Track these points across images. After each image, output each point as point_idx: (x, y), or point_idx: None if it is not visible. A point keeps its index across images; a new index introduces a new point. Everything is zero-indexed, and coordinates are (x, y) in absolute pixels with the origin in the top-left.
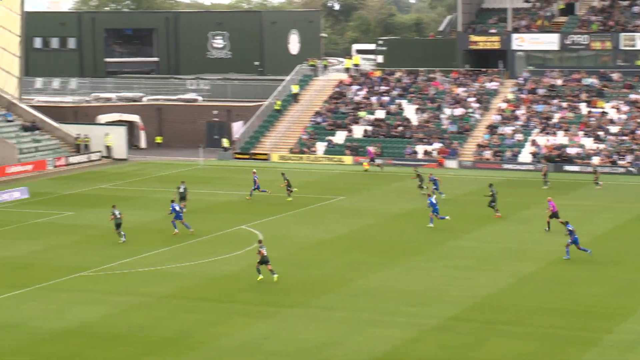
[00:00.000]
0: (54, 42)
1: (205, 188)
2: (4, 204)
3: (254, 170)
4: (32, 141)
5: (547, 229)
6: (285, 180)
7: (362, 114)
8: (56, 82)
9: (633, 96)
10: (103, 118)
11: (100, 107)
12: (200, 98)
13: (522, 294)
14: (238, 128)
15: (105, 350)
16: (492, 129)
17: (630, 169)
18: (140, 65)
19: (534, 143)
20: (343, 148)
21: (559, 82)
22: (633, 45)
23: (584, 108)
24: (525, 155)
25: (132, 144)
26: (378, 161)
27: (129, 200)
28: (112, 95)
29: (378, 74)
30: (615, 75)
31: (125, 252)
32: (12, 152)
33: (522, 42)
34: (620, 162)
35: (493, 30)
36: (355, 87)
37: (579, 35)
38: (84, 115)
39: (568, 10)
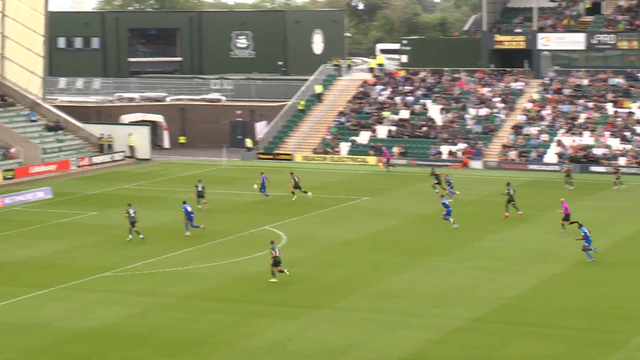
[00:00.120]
0: (78, 42)
1: (229, 188)
2: (28, 204)
3: (262, 171)
4: (55, 141)
5: (562, 230)
6: (292, 180)
7: (386, 114)
8: (80, 82)
9: None
10: (126, 118)
11: (123, 107)
12: (223, 98)
13: (547, 296)
14: (261, 128)
15: (128, 350)
16: (517, 129)
17: None
18: (164, 65)
19: (559, 143)
20: (367, 148)
21: (585, 82)
22: None
23: (610, 108)
24: (550, 156)
25: (156, 144)
26: (393, 162)
27: (152, 200)
28: (136, 95)
29: (402, 73)
30: None
31: (148, 253)
32: (35, 152)
33: (548, 41)
34: None
35: (518, 30)
36: (379, 87)
37: (605, 35)
38: (108, 115)
39: (594, 9)
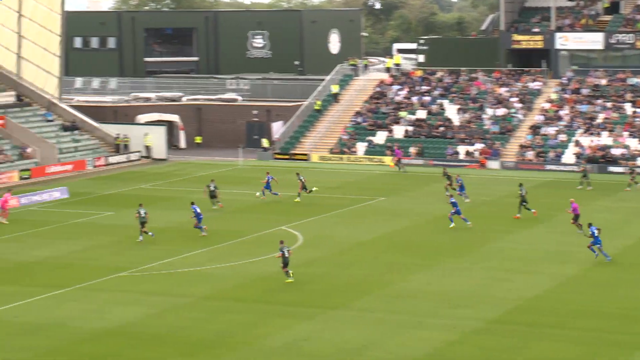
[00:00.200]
0: (94, 42)
1: (245, 188)
2: (44, 204)
3: (268, 171)
4: (71, 141)
5: (579, 231)
6: (299, 181)
7: (403, 114)
8: (96, 82)
9: None
10: (142, 118)
11: (139, 107)
12: (240, 98)
13: (564, 297)
14: (278, 128)
15: (145, 350)
16: (535, 129)
17: None
18: (180, 65)
19: (577, 144)
20: (384, 148)
21: (604, 81)
22: None
23: (628, 108)
24: (568, 156)
25: (172, 144)
26: (404, 162)
27: (168, 200)
28: (152, 95)
29: (419, 73)
30: None
31: (164, 253)
32: (52, 152)
33: (566, 41)
34: None
35: (536, 30)
36: (396, 87)
37: (623, 34)
38: (124, 115)
39: (613, 8)
